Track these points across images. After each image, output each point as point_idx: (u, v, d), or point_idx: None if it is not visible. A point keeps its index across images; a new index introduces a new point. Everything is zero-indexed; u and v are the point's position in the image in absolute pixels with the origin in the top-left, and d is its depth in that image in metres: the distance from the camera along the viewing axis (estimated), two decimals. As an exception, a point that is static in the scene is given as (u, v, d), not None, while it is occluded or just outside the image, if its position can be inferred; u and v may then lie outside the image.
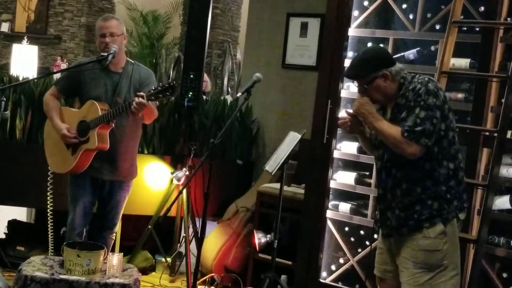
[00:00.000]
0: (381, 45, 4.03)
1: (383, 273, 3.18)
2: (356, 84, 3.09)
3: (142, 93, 3.67)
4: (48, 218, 4.52)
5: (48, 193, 4.39)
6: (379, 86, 3.00)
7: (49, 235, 4.55)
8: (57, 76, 5.20)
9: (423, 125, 2.87)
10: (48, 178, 4.33)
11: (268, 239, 4.33)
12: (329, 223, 4.34)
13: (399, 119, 2.95)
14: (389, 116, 3.04)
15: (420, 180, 2.96)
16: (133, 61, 4.01)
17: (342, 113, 3.34)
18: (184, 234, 4.80)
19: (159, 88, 3.66)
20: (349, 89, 4.32)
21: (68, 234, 3.93)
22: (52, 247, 4.56)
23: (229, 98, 6.27)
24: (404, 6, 4.19)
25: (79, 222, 3.94)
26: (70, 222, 3.94)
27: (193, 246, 4.60)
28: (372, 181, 4.18)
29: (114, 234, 4.15)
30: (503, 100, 3.50)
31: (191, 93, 4.91)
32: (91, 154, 3.85)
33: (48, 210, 4.48)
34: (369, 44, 4.36)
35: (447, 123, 2.96)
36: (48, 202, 4.43)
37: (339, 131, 4.33)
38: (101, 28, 3.88)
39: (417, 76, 3.02)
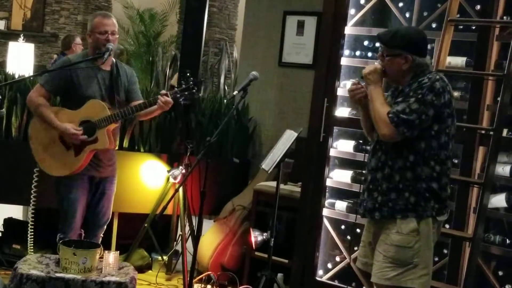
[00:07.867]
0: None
1: (364, 266, 3.21)
2: (380, 49, 3.09)
3: (165, 91, 3.72)
4: (29, 216, 4.42)
5: (32, 191, 4.27)
6: (396, 63, 3.02)
7: (29, 233, 4.45)
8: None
9: (410, 115, 2.89)
10: (34, 176, 4.20)
11: (264, 237, 4.32)
12: (325, 221, 4.35)
13: (394, 102, 3.00)
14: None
15: (401, 169, 2.99)
16: (114, 59, 3.96)
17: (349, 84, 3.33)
18: (181, 233, 4.80)
19: (183, 86, 3.69)
20: (346, 87, 4.31)
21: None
22: (32, 245, 4.51)
23: None
24: (401, 4, 4.19)
25: (79, 225, 3.90)
26: (69, 226, 3.84)
27: (189, 244, 4.60)
28: (369, 179, 4.18)
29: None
30: (499, 99, 3.51)
31: (187, 91, 4.91)
32: (92, 154, 3.82)
33: (30, 208, 4.39)
34: (366, 43, 4.36)
35: (441, 126, 2.96)
36: (32, 199, 4.32)
37: (335, 129, 4.33)
38: (102, 25, 3.82)
39: (433, 73, 3.04)
